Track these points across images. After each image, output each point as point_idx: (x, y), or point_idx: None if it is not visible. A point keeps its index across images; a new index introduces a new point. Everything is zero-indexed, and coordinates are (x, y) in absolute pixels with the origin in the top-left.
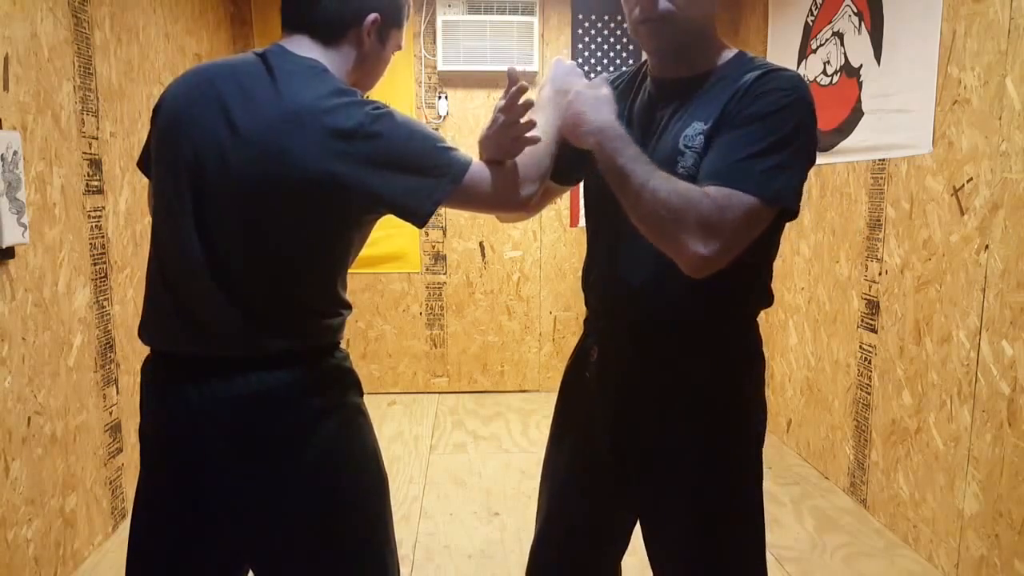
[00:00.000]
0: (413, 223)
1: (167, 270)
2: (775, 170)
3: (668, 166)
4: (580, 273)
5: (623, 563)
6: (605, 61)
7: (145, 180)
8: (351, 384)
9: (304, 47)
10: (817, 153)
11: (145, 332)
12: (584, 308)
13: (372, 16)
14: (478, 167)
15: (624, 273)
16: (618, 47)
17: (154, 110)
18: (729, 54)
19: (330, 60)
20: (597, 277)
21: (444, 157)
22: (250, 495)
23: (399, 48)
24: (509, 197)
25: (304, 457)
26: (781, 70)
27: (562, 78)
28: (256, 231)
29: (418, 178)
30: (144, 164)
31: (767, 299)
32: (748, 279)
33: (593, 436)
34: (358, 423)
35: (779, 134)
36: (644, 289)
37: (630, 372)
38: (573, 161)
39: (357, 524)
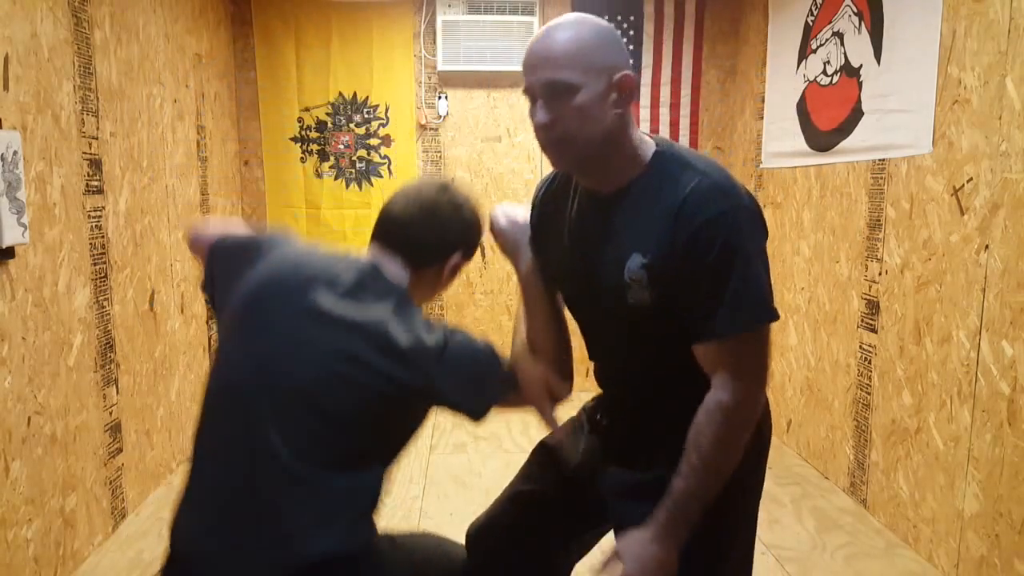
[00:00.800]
0: (470, 420)
1: (218, 460)
2: (758, 291)
3: (618, 298)
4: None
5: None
6: None
7: (146, 179)
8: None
9: (395, 267)
10: (817, 153)
11: (177, 531)
12: None
13: (456, 255)
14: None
15: (615, 376)
16: None
17: (248, 259)
18: (648, 153)
19: (413, 282)
20: (597, 367)
21: (499, 372)
22: None
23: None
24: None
25: None
26: (700, 182)
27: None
28: (324, 419)
29: (476, 386)
30: (211, 291)
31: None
32: None
33: (579, 480)
34: None
35: (737, 263)
36: (633, 390)
37: (635, 438)
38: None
39: None
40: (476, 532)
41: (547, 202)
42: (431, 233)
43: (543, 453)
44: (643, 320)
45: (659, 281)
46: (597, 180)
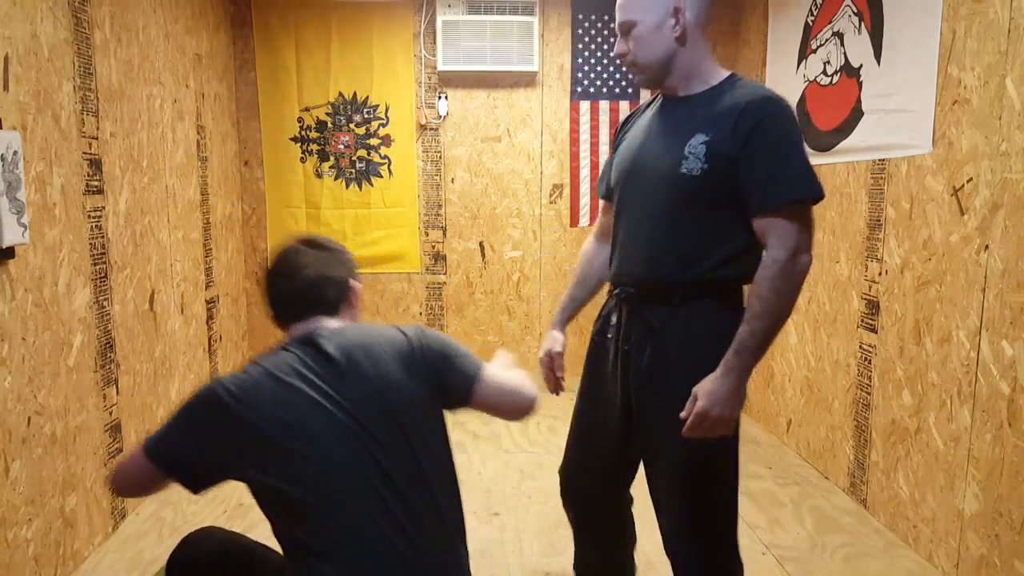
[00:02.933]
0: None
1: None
2: (804, 171)
3: (671, 165)
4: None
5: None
6: (605, 61)
7: (146, 179)
8: None
9: (327, 322)
10: (817, 153)
11: None
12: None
13: (354, 284)
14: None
15: (649, 254)
16: None
17: (225, 417)
18: (722, 76)
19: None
20: (619, 256)
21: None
22: None
23: None
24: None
25: None
26: (761, 92)
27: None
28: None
29: (458, 351)
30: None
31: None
32: (735, 251)
33: (611, 389)
34: None
35: (796, 148)
36: (659, 268)
37: (644, 328)
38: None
39: None
40: (565, 475)
41: (628, 121)
42: (330, 285)
43: (587, 385)
44: (688, 185)
45: (713, 155)
46: (674, 87)
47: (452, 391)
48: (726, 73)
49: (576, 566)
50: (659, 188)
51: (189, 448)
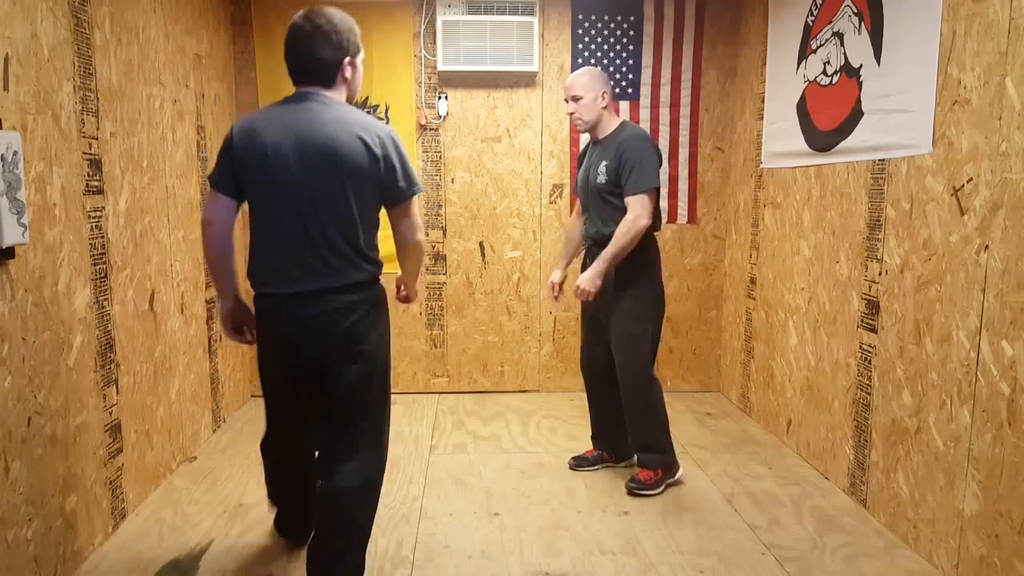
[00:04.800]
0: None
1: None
2: (647, 175)
3: (596, 181)
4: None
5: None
6: (605, 61)
7: (146, 180)
8: None
9: (320, 91)
10: (817, 153)
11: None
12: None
13: (345, 65)
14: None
15: (596, 223)
16: (618, 47)
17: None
18: (617, 124)
19: (338, 96)
20: (587, 227)
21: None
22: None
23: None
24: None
25: None
26: (633, 132)
27: None
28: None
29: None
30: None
31: (658, 226)
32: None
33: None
34: None
35: (644, 162)
36: (602, 229)
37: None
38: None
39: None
40: (584, 363)
41: (584, 151)
42: (324, 65)
43: (583, 305)
44: (603, 191)
45: (610, 172)
46: (597, 134)
47: (385, 196)
48: (618, 121)
49: (591, 410)
50: (594, 191)
51: (224, 171)
